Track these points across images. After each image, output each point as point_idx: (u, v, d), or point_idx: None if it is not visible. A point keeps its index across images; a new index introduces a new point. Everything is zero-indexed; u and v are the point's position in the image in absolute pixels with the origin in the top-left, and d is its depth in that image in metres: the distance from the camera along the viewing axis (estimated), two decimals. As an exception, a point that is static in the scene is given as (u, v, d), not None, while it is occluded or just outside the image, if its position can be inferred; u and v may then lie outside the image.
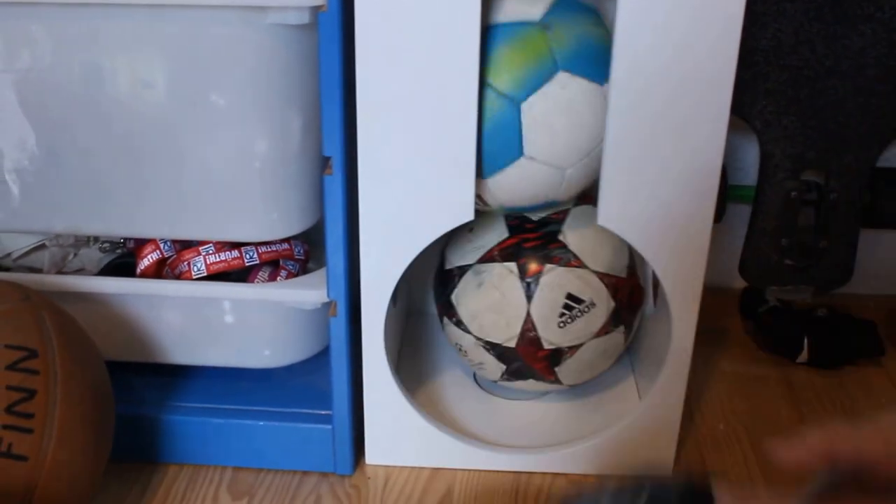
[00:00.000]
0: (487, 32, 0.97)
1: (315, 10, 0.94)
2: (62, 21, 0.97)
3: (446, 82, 0.96)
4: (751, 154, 1.32)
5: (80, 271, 1.23)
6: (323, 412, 1.14)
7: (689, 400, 1.25)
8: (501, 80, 0.98)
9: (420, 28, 0.93)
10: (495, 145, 0.99)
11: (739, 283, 1.40)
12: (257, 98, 1.00)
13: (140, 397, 1.17)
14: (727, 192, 1.37)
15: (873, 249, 1.46)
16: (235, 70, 0.98)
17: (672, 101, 0.95)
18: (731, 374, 1.38)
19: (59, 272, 1.22)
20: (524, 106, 0.98)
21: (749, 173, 1.36)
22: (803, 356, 1.38)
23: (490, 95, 0.97)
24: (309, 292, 1.08)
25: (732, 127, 1.22)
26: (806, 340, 1.38)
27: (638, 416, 1.14)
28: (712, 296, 1.39)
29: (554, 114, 0.98)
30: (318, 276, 1.09)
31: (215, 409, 1.16)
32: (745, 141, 1.38)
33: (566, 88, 0.98)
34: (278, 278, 1.17)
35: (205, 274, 1.15)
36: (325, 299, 1.07)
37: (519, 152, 0.99)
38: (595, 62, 0.98)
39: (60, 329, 0.96)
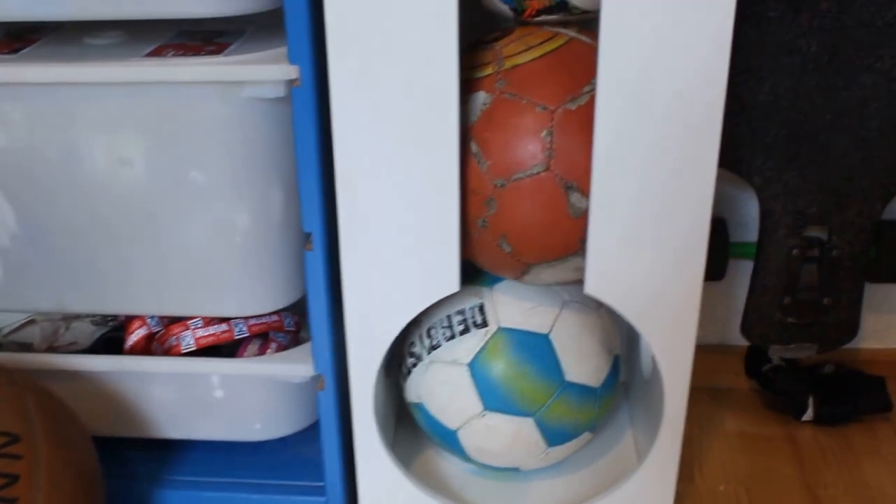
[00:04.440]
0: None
1: (290, 83, 0.93)
2: (37, 101, 0.97)
3: (427, 152, 0.95)
4: (752, 209, 1.30)
5: (72, 345, 1.22)
6: (316, 484, 1.13)
7: (690, 460, 1.23)
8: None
9: (397, 99, 0.93)
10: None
11: (745, 341, 1.38)
12: (237, 173, 0.99)
13: (132, 471, 1.17)
14: (728, 249, 1.35)
15: (882, 303, 1.43)
16: (214, 145, 0.98)
17: (656, 160, 0.94)
18: (734, 433, 1.36)
19: (51, 346, 1.22)
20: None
21: (751, 229, 1.34)
22: (808, 414, 1.35)
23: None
24: (296, 366, 1.07)
25: (733, 182, 1.21)
26: (811, 398, 1.35)
27: (635, 481, 1.12)
28: (717, 354, 1.39)
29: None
30: (305, 350, 1.08)
31: (208, 483, 1.16)
32: (747, 196, 1.36)
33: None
34: (268, 351, 1.16)
35: (194, 348, 1.14)
36: (313, 373, 1.05)
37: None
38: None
39: (45, 412, 0.95)
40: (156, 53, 1.01)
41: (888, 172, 1.22)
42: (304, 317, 1.16)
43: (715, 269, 1.35)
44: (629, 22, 0.88)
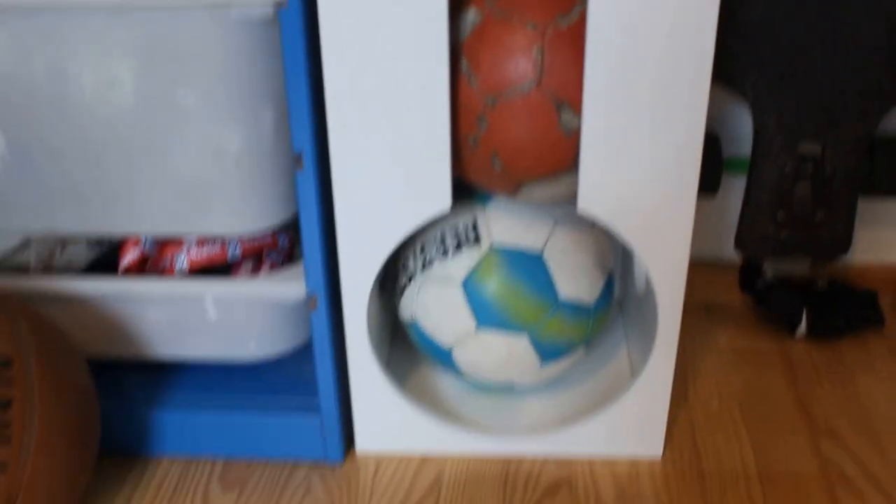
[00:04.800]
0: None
1: (278, 4, 0.92)
2: (23, 25, 0.95)
3: (416, 69, 0.94)
4: (746, 125, 1.30)
5: (67, 266, 1.22)
6: (311, 402, 1.14)
7: (684, 377, 1.24)
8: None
9: (386, 16, 0.92)
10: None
11: (739, 257, 1.38)
12: (227, 94, 0.99)
13: (129, 393, 1.17)
14: (722, 164, 1.35)
15: (875, 217, 1.43)
16: (203, 67, 0.97)
17: (649, 76, 0.93)
18: (728, 349, 1.37)
19: (46, 268, 1.22)
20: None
21: (745, 144, 1.34)
22: (802, 329, 1.36)
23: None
24: (289, 286, 1.07)
25: (727, 98, 1.20)
26: (804, 314, 1.35)
27: (628, 397, 1.13)
28: (711, 269, 1.39)
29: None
30: (297, 270, 1.08)
31: (204, 403, 1.16)
32: (740, 111, 1.35)
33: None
34: (262, 270, 1.16)
35: (187, 269, 1.14)
36: (305, 293, 1.06)
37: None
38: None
39: (37, 336, 0.96)
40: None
41: (882, 89, 1.21)
42: (298, 235, 1.16)
43: (709, 184, 1.36)
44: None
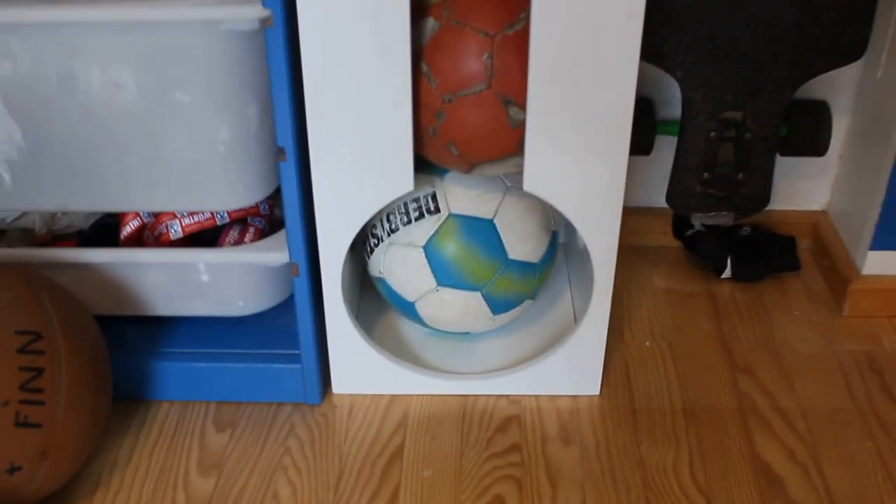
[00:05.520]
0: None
1: (264, 21, 1.06)
2: (39, 36, 1.10)
3: (383, 72, 1.10)
4: (678, 90, 1.44)
5: (68, 227, 1.38)
6: (293, 352, 1.30)
7: (620, 317, 1.42)
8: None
9: (357, 30, 1.08)
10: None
11: (671, 207, 1.55)
12: (217, 93, 1.13)
13: (133, 345, 1.33)
14: (656, 127, 1.51)
15: (793, 170, 1.60)
16: (196, 70, 1.11)
17: (583, 77, 1.10)
18: (661, 290, 1.54)
19: (50, 230, 1.37)
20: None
21: (676, 107, 1.48)
22: (727, 273, 1.54)
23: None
24: (274, 254, 1.23)
25: (660, 67, 1.35)
26: (729, 259, 1.53)
27: (569, 342, 1.30)
28: (647, 216, 1.56)
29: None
30: (279, 239, 1.23)
31: (199, 354, 1.33)
32: (672, 79, 1.50)
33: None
34: (247, 234, 1.31)
35: (181, 235, 1.30)
36: (288, 261, 1.22)
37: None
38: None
39: (58, 308, 1.12)
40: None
41: (795, 65, 1.37)
42: (277, 201, 1.32)
43: (643, 145, 1.52)
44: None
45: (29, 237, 1.40)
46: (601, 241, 1.20)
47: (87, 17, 1.08)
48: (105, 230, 1.37)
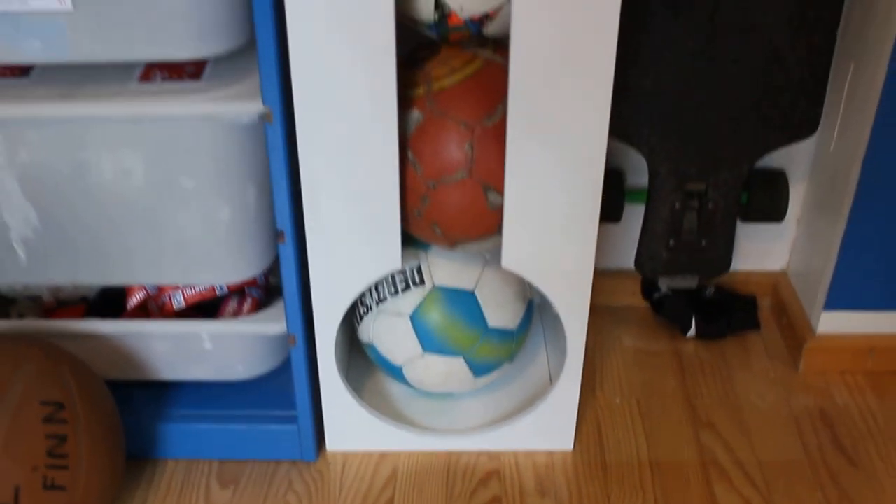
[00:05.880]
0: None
1: (263, 117, 1.17)
2: (57, 128, 1.20)
3: (372, 161, 1.21)
4: (645, 161, 1.56)
5: (75, 293, 1.48)
6: (290, 413, 1.41)
7: (593, 375, 1.53)
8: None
9: (350, 126, 1.18)
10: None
11: (639, 270, 1.66)
12: (219, 178, 1.23)
13: (140, 408, 1.43)
14: (624, 197, 1.63)
15: (755, 232, 1.72)
16: (200, 158, 1.21)
17: (554, 165, 1.21)
18: (631, 349, 1.65)
19: (57, 298, 1.47)
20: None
21: (644, 176, 1.59)
22: (692, 332, 1.65)
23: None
24: (273, 325, 1.34)
25: (628, 143, 1.47)
26: (694, 319, 1.64)
27: (544, 402, 1.41)
28: (618, 278, 1.67)
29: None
30: (278, 310, 1.34)
31: (201, 415, 1.43)
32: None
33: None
34: (245, 304, 1.42)
35: (184, 305, 1.40)
36: (286, 331, 1.32)
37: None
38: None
39: (77, 378, 1.22)
40: (146, 76, 1.24)
41: (753, 141, 1.49)
42: (271, 268, 1.42)
43: (613, 213, 1.63)
44: (531, 56, 1.14)
45: (37, 305, 1.50)
46: (573, 312, 1.31)
47: (99, 111, 1.19)
48: (110, 297, 1.47)
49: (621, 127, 1.44)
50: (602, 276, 1.65)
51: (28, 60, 1.18)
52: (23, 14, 1.11)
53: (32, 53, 1.14)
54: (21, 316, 1.45)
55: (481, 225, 1.25)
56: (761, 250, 1.74)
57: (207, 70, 1.22)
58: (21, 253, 1.29)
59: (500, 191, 1.22)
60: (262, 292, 1.44)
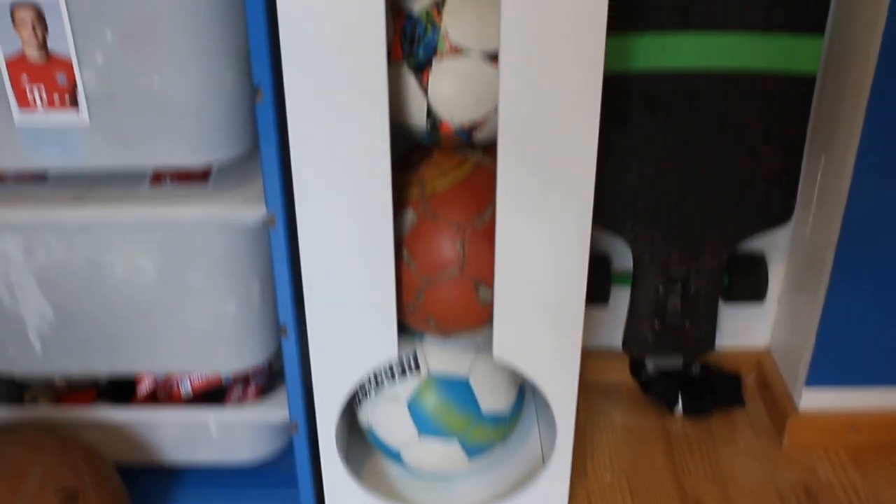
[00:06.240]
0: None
1: (266, 221, 1.25)
2: (73, 233, 1.28)
3: (369, 263, 1.28)
4: (631, 246, 1.64)
5: (85, 378, 1.55)
6: (293, 494, 1.47)
7: (583, 453, 1.59)
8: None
9: (348, 229, 1.26)
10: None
11: (627, 349, 1.73)
12: (225, 275, 1.31)
13: (147, 491, 1.50)
14: (611, 280, 1.70)
15: (739, 312, 1.79)
16: (207, 257, 1.29)
17: (539, 266, 1.29)
18: (620, 426, 1.72)
19: (69, 383, 1.55)
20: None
21: (630, 260, 1.67)
22: (679, 409, 1.72)
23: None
24: (275, 412, 1.41)
25: (613, 233, 1.54)
26: (680, 397, 1.71)
27: (537, 480, 1.47)
28: (607, 357, 1.74)
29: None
30: (280, 398, 1.41)
31: (209, 498, 1.50)
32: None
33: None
34: (250, 389, 1.49)
35: (191, 392, 1.47)
36: (288, 419, 1.40)
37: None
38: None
39: (90, 467, 1.29)
40: (157, 179, 1.32)
41: (731, 230, 1.56)
42: (277, 359, 1.49)
43: (601, 296, 1.70)
44: (517, 160, 1.22)
45: (50, 389, 1.57)
46: (562, 398, 1.38)
47: (112, 216, 1.27)
48: (120, 381, 1.54)
49: (606, 217, 1.52)
50: (592, 355, 1.73)
51: (47, 167, 1.26)
52: (43, 126, 1.17)
53: (51, 161, 1.23)
54: (34, 400, 1.52)
55: (473, 318, 1.32)
56: (745, 328, 1.80)
57: (214, 173, 1.29)
58: (37, 345, 1.36)
59: (490, 286, 1.29)
60: (266, 378, 1.51)
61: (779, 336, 1.76)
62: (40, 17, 1.15)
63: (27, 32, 1.15)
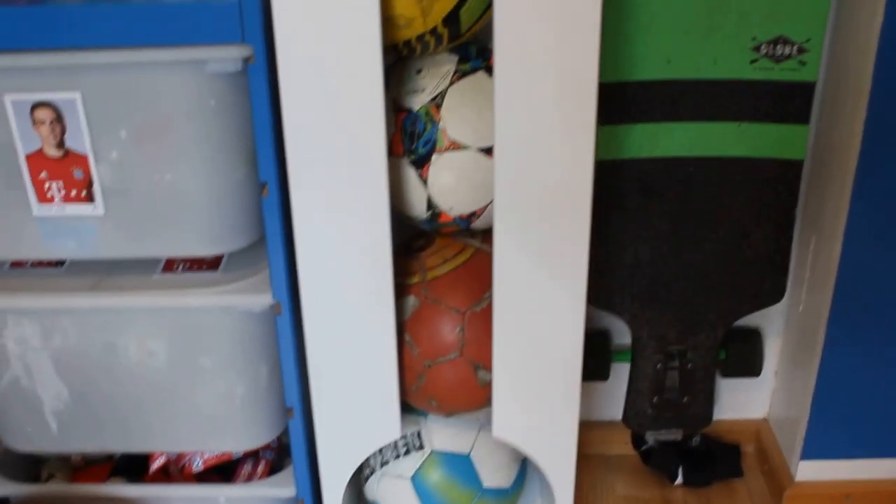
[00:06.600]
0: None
1: (273, 308, 1.30)
2: (88, 318, 1.33)
3: (372, 345, 1.34)
4: (631, 321, 1.69)
5: (106, 455, 1.60)
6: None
7: (586, 526, 1.63)
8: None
9: (350, 315, 1.31)
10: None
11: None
12: (235, 359, 1.36)
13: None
14: (611, 356, 1.75)
15: (737, 384, 1.83)
16: (217, 341, 1.34)
17: (535, 350, 1.33)
18: (622, 496, 1.76)
19: (84, 457, 1.60)
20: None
21: (629, 337, 1.72)
22: (679, 480, 1.76)
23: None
24: (283, 490, 1.45)
25: (611, 312, 1.59)
26: (681, 468, 1.75)
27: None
28: (610, 429, 1.78)
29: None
30: (288, 476, 1.46)
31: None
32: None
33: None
34: (259, 466, 1.54)
35: (202, 468, 1.52)
36: (295, 496, 1.44)
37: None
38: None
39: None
40: (169, 267, 1.38)
41: (725, 309, 1.61)
42: (285, 436, 1.54)
43: (601, 373, 1.75)
44: (514, 249, 1.27)
45: (66, 464, 1.62)
46: (561, 475, 1.43)
47: (125, 302, 1.32)
48: (134, 456, 1.59)
49: (604, 298, 1.57)
50: (595, 427, 1.77)
51: (64, 257, 1.31)
52: (60, 217, 1.23)
53: (68, 251, 1.28)
54: (51, 476, 1.57)
55: (473, 399, 1.38)
56: (744, 399, 1.84)
57: (224, 260, 1.35)
58: (53, 424, 1.42)
59: (489, 368, 1.34)
60: (275, 454, 1.56)
61: (776, 408, 1.80)
62: (59, 117, 1.20)
63: (46, 131, 1.21)
